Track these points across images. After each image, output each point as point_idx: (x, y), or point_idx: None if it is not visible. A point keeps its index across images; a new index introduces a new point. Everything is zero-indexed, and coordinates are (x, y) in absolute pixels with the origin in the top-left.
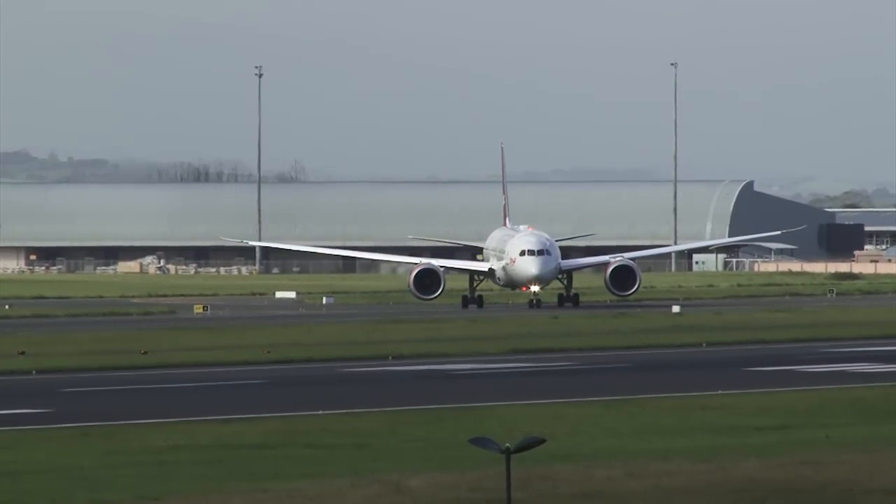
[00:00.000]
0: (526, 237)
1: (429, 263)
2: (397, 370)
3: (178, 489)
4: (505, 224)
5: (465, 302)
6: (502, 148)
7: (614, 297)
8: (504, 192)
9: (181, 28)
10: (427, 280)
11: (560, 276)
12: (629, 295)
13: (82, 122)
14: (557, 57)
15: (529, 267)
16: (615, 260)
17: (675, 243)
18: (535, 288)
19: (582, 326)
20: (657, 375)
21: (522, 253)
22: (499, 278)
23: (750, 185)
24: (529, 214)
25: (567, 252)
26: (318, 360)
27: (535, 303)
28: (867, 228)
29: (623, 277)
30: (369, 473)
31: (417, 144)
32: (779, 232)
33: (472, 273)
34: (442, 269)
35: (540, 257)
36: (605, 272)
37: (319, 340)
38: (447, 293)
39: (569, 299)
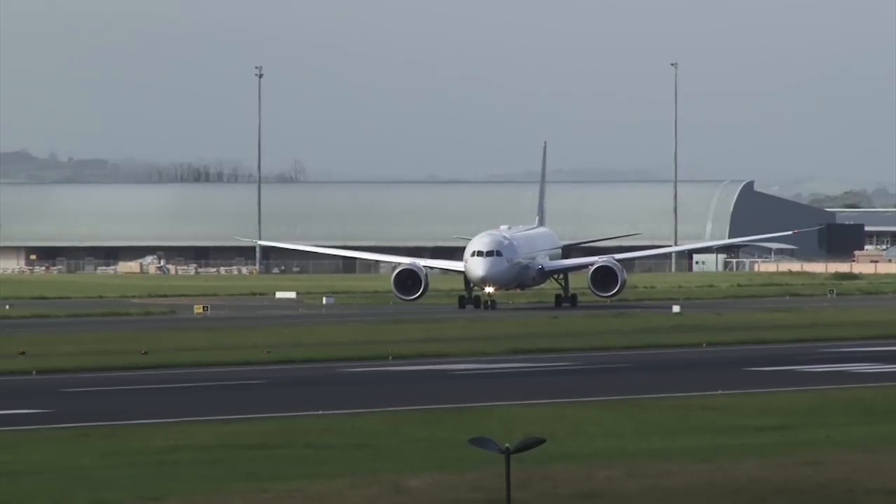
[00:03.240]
0: (481, 238)
1: (412, 263)
2: (397, 370)
3: (178, 489)
4: (540, 222)
5: (462, 302)
6: (545, 147)
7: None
8: (541, 192)
9: (181, 28)
10: (409, 281)
11: (557, 277)
12: (611, 296)
13: (82, 122)
14: (557, 57)
15: (476, 268)
16: (600, 260)
17: (676, 243)
18: (488, 289)
19: (582, 326)
20: (657, 375)
21: (473, 254)
22: None
23: (750, 185)
24: (529, 214)
25: (567, 252)
26: (318, 360)
27: (490, 304)
28: (867, 228)
29: (606, 279)
30: (369, 473)
31: (417, 144)
32: (789, 232)
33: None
34: (426, 269)
35: (489, 258)
36: (587, 273)
37: (319, 340)
38: (448, 294)
39: (566, 300)
